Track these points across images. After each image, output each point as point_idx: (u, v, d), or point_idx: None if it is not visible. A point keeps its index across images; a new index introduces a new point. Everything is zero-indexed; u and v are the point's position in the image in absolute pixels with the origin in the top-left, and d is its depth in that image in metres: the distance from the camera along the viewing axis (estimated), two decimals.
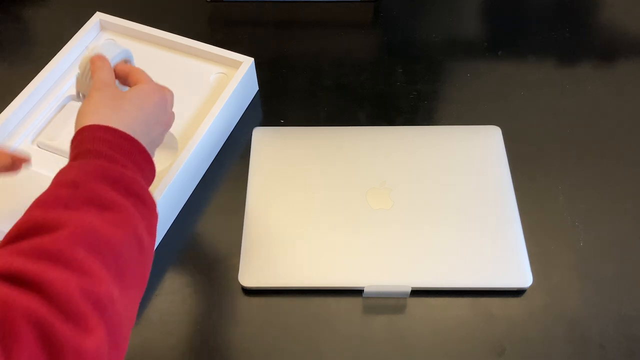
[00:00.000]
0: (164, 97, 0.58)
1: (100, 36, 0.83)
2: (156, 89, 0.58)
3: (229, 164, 0.76)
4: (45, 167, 0.71)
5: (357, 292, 0.64)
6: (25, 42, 0.89)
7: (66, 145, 0.72)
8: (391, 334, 0.62)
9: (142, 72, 0.60)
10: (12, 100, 0.73)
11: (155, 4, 0.93)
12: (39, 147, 0.73)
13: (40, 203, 0.45)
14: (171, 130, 0.73)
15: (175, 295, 0.65)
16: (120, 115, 0.52)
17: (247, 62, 0.77)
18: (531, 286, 0.64)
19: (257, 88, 0.82)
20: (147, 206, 0.49)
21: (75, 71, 0.79)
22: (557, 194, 0.72)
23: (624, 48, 0.86)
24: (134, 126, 0.52)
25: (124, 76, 0.60)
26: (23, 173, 0.70)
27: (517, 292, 0.64)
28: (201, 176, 0.74)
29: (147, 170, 0.52)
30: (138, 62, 0.80)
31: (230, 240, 0.68)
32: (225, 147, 0.77)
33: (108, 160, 0.48)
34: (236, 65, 0.77)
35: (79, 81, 0.62)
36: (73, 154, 0.50)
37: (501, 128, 0.75)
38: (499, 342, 0.62)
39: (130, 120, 0.52)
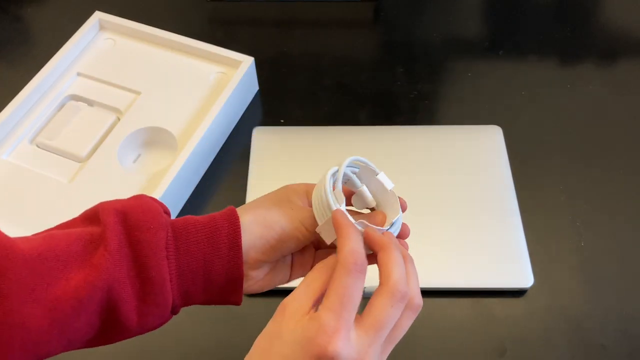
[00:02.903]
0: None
1: (100, 36, 0.82)
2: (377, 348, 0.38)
3: (229, 163, 0.75)
4: (44, 167, 0.71)
5: None
6: (24, 42, 0.89)
7: (65, 145, 0.72)
8: None
9: (394, 263, 0.39)
10: (11, 100, 0.73)
11: (155, 3, 0.93)
12: (38, 147, 0.73)
13: None
14: (171, 129, 0.73)
15: None
16: None
17: (247, 62, 0.76)
18: (532, 286, 0.63)
19: (257, 87, 0.82)
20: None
21: (75, 70, 0.79)
22: (558, 193, 0.72)
23: (626, 48, 0.86)
24: None
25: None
26: (22, 173, 0.70)
27: (518, 293, 0.64)
28: (201, 176, 0.74)
29: None
30: (138, 62, 0.80)
31: None
32: (225, 147, 0.77)
33: None
34: (236, 64, 0.77)
35: (318, 217, 0.43)
36: None
37: (502, 128, 0.75)
38: (500, 342, 0.61)
39: None
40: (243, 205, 0.45)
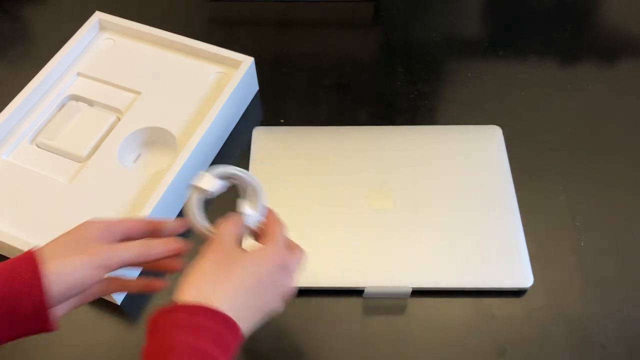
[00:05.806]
0: (285, 264, 0.51)
1: (100, 36, 0.82)
2: (278, 252, 0.50)
3: (229, 163, 0.75)
4: (44, 167, 0.71)
5: (357, 293, 0.64)
6: (24, 42, 0.89)
7: (65, 145, 0.73)
8: (391, 334, 0.62)
9: (277, 226, 0.52)
10: (11, 100, 0.73)
11: (155, 3, 0.93)
12: (38, 146, 0.73)
13: None
14: (171, 129, 0.73)
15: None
16: (224, 288, 0.46)
17: (247, 62, 0.76)
18: (532, 286, 0.63)
19: (257, 88, 0.82)
20: None
21: (75, 70, 0.79)
22: (558, 193, 0.72)
23: (625, 48, 0.86)
24: (236, 296, 0.47)
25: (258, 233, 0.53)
26: (22, 173, 0.70)
27: (517, 293, 0.64)
28: None
29: (232, 344, 0.46)
30: (138, 62, 0.80)
31: None
32: (225, 147, 0.77)
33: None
34: (236, 64, 0.77)
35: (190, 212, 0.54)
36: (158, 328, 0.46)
37: (502, 128, 0.75)
38: (500, 342, 0.61)
39: (233, 291, 0.47)
40: (45, 252, 0.46)
